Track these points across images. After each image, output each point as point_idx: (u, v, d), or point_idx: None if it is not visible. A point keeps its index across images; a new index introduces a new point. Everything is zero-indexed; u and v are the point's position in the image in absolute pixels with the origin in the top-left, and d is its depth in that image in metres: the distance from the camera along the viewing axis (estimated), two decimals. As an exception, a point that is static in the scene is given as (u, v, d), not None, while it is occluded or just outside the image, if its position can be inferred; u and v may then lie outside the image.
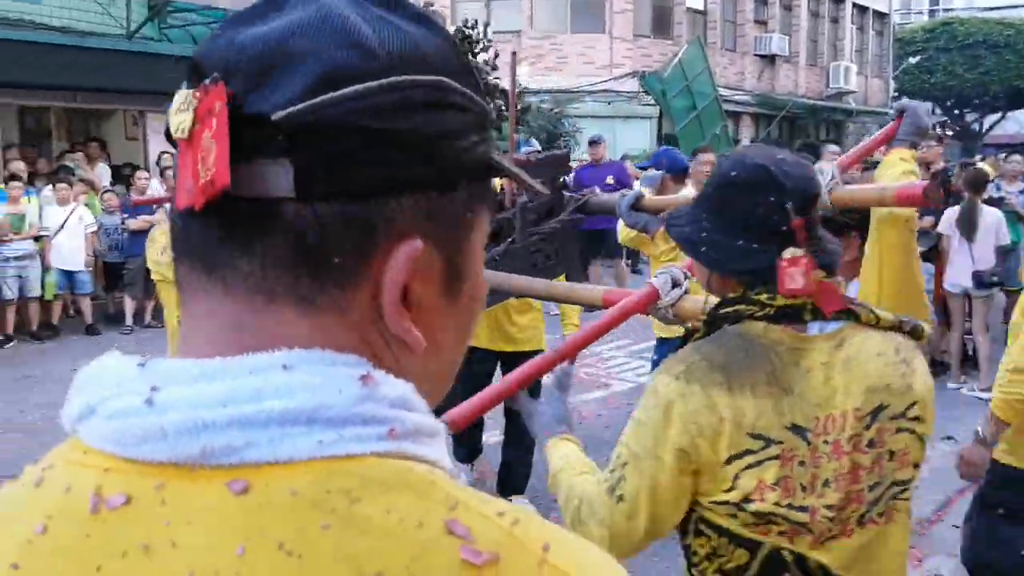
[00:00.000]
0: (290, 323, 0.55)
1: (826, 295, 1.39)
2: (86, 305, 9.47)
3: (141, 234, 9.34)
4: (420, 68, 0.55)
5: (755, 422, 1.37)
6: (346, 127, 0.52)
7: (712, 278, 1.52)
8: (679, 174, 5.03)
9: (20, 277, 8.75)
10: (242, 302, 0.55)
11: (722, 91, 19.86)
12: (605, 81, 18.32)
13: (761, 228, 1.41)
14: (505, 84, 17.56)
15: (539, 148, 5.17)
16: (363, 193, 0.54)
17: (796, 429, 1.37)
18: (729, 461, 1.37)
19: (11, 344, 8.79)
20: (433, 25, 0.58)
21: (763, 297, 1.41)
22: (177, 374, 0.53)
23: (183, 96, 0.55)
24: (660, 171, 4.95)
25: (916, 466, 1.48)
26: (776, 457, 1.37)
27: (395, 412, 0.54)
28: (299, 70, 0.53)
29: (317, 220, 0.53)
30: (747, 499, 1.38)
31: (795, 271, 1.36)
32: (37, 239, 9.03)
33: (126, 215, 9.65)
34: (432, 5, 17.54)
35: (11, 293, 8.74)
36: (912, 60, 28.07)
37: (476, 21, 3.82)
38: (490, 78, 3.94)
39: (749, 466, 1.37)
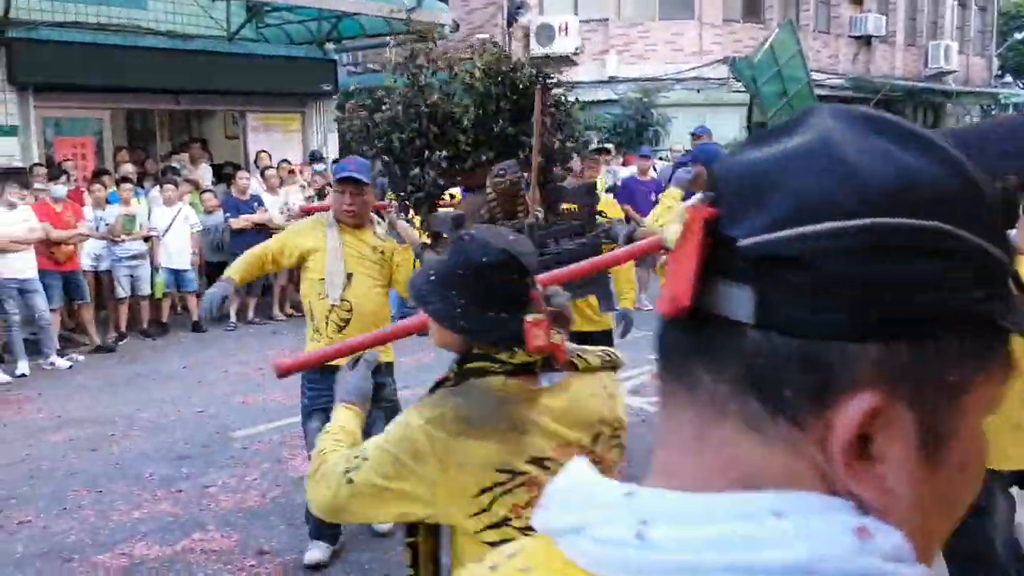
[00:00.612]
0: (739, 444, 0.55)
1: (558, 351, 1.75)
2: (192, 303, 9.80)
3: (243, 233, 9.64)
4: (908, 208, 0.52)
5: (500, 460, 1.71)
6: (813, 264, 0.51)
7: (459, 341, 1.80)
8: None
9: (132, 276, 9.11)
10: (701, 414, 0.56)
11: (815, 75, 19.33)
12: (694, 68, 18.04)
13: (509, 300, 1.72)
14: (586, 75, 17.49)
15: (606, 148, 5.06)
16: (821, 334, 0.51)
17: (537, 462, 1.73)
18: (482, 493, 1.72)
19: (124, 341, 9.17)
20: (936, 150, 0.55)
21: (503, 356, 1.73)
22: (665, 510, 0.54)
23: (682, 208, 0.57)
24: (692, 168, 5.08)
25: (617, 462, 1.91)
26: (523, 484, 1.73)
27: (892, 566, 0.52)
28: (775, 199, 0.53)
29: (772, 351, 0.52)
30: (506, 520, 1.73)
31: (538, 331, 1.69)
32: (147, 239, 9.38)
33: (228, 215, 9.95)
34: (522, -2, 17.58)
35: (124, 292, 9.12)
36: (1018, 36, 26.86)
37: (556, 79, 3.65)
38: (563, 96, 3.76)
39: (502, 494, 1.72)
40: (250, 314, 10.13)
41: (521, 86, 3.73)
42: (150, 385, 7.62)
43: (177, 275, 9.63)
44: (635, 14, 18.22)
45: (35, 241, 8.07)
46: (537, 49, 17.56)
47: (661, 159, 13.08)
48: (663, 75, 17.77)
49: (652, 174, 10.65)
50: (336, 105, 14.33)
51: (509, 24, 17.79)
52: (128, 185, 9.34)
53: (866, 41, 22.15)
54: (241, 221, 9.84)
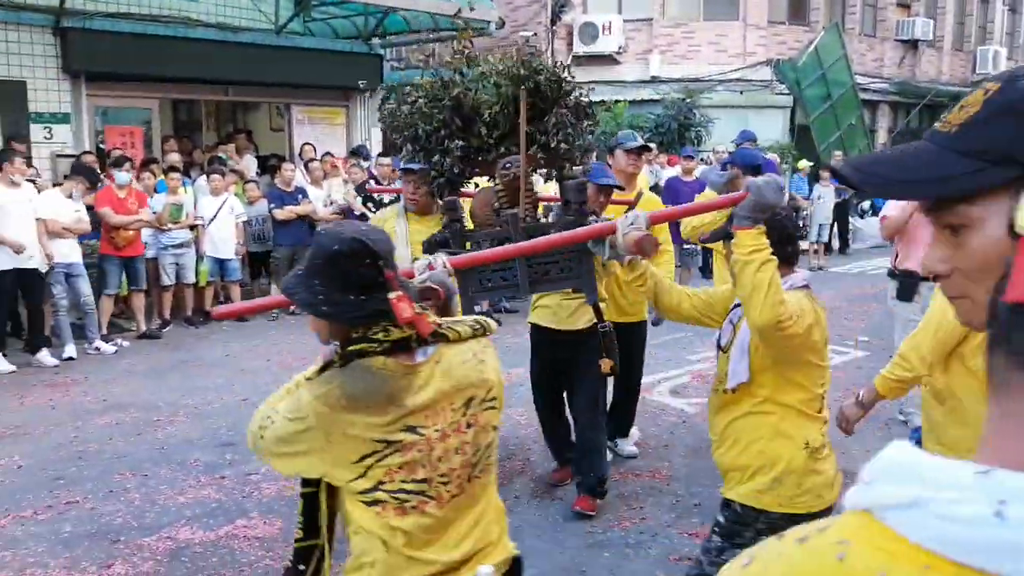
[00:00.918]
0: None
1: (422, 322, 1.97)
2: (236, 292, 9.91)
3: (286, 224, 9.73)
4: None
5: (378, 431, 1.94)
6: None
7: (332, 328, 2.01)
8: (753, 170, 5.15)
9: (177, 264, 9.24)
10: None
11: (859, 79, 19.15)
12: (738, 70, 17.91)
13: (364, 283, 1.92)
14: (629, 74, 17.44)
15: (642, 143, 5.21)
16: None
17: (410, 429, 1.96)
18: (361, 459, 1.94)
19: (168, 328, 9.30)
20: None
21: (380, 335, 1.94)
22: None
23: None
24: (725, 171, 5.38)
25: (495, 428, 2.15)
26: (397, 451, 1.96)
27: None
28: None
29: None
30: (380, 483, 1.96)
31: (403, 304, 1.93)
32: (192, 228, 9.50)
33: (272, 205, 10.04)
34: (566, -5, 17.56)
35: (168, 279, 9.25)
36: (1069, 43, 26.35)
37: (565, 65, 3.68)
38: (583, 97, 3.77)
39: (378, 460, 1.95)
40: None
41: (542, 88, 3.83)
42: (194, 372, 7.73)
43: (221, 264, 9.75)
44: (679, 14, 18.13)
45: (82, 231, 8.22)
46: (580, 48, 17.54)
47: (702, 161, 13.00)
48: (706, 76, 17.66)
49: (696, 174, 10.60)
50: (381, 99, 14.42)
51: (553, 22, 17.78)
52: (176, 174, 9.46)
53: (913, 45, 21.85)
54: (285, 212, 9.94)
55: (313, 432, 1.94)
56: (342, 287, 1.92)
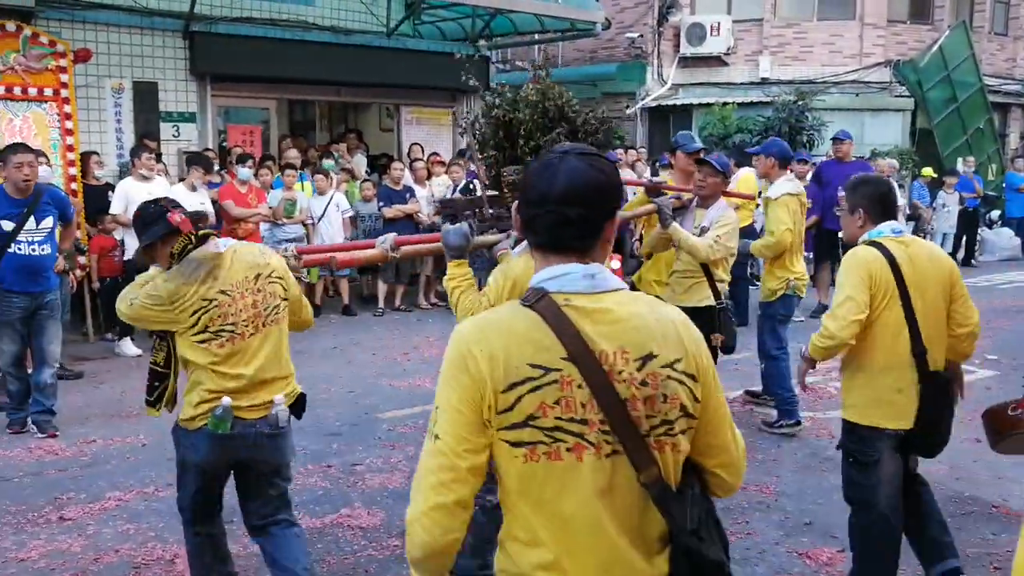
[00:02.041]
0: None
1: (184, 222, 3.30)
2: (344, 287, 10.20)
3: (394, 221, 9.96)
4: None
5: (202, 295, 3.20)
6: None
7: (160, 251, 3.32)
8: (784, 161, 6.40)
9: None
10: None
11: (988, 80, 18.32)
12: (854, 71, 17.37)
13: (154, 219, 3.29)
14: (738, 76, 17.12)
15: (701, 146, 5.90)
16: None
17: (222, 292, 3.18)
18: (193, 314, 3.18)
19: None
20: None
21: (184, 240, 3.28)
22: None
23: None
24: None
25: (283, 297, 3.44)
26: (217, 306, 3.18)
27: None
28: None
29: None
30: (206, 327, 3.18)
31: (176, 216, 3.28)
32: (305, 224, 9.83)
33: (382, 204, 10.30)
34: (674, -5, 17.39)
35: (282, 273, 9.57)
36: None
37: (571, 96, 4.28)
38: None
39: (204, 313, 3.19)
40: (397, 301, 10.47)
41: (571, 114, 4.45)
42: (304, 363, 7.94)
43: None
44: (792, 14, 17.70)
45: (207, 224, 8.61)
46: (687, 49, 17.35)
47: (814, 165, 12.67)
48: (819, 78, 17.21)
49: (849, 151, 10.41)
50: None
51: (659, 23, 17.63)
52: (292, 171, 9.81)
53: (1046, 45, 20.79)
54: (393, 211, 10.19)
55: (164, 302, 3.21)
56: (143, 226, 3.32)
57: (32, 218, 5.93)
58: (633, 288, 5.75)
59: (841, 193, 10.32)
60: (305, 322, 3.72)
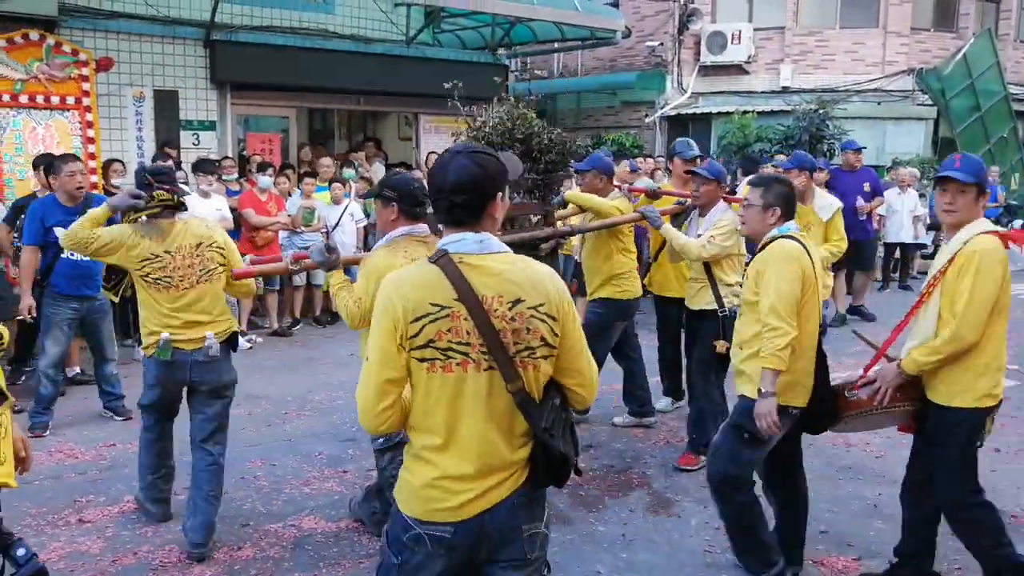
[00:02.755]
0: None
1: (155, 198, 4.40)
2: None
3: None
4: None
5: (152, 248, 4.28)
6: None
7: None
8: (811, 171, 6.71)
9: (308, 266, 9.59)
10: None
11: (1013, 89, 18.16)
12: (876, 79, 17.26)
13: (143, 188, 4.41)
14: (758, 84, 17.04)
15: (698, 153, 6.42)
16: None
17: (167, 252, 4.30)
18: (142, 262, 4.27)
19: (298, 327, 9.68)
20: None
21: (149, 209, 4.38)
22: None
23: None
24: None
25: (220, 264, 4.48)
26: (160, 259, 4.27)
27: None
28: None
29: None
30: (149, 274, 4.26)
31: (159, 191, 4.40)
32: (322, 232, 9.86)
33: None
34: (693, 2, 17.37)
35: (300, 280, 9.62)
36: None
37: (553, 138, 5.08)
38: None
39: (151, 263, 4.27)
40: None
41: (533, 140, 5.15)
42: (321, 369, 8.02)
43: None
44: (814, 22, 17.62)
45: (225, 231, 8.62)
46: (707, 58, 17.31)
47: (830, 173, 12.58)
48: (841, 86, 17.12)
49: (859, 161, 10.39)
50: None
51: (680, 32, 17.61)
52: (311, 179, 9.84)
53: (1073, 54, 20.60)
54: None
55: (122, 241, 4.26)
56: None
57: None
58: (645, 290, 6.34)
59: (860, 203, 10.36)
60: (244, 292, 4.94)
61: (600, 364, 5.81)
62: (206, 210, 8.47)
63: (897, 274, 13.13)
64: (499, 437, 2.32)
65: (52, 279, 6.21)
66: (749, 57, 17.25)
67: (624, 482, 5.34)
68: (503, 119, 5.20)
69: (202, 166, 8.95)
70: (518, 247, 4.55)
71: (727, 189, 5.97)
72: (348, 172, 10.69)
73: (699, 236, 5.47)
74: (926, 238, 13.62)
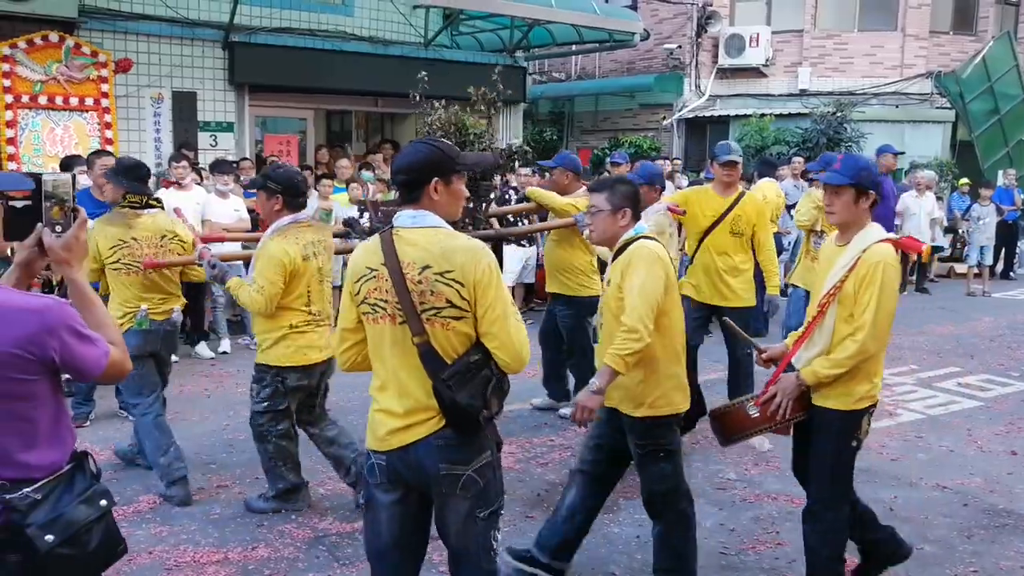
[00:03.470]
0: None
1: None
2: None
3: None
4: None
5: (119, 235, 4.88)
6: None
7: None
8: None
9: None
10: None
11: (1032, 92, 18.02)
12: (894, 82, 17.18)
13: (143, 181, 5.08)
14: (776, 87, 16.98)
15: (732, 159, 6.03)
16: None
17: (133, 240, 4.88)
18: (111, 248, 4.86)
19: (317, 327, 9.68)
20: None
21: (125, 205, 5.03)
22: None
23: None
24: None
25: (179, 253, 5.13)
26: (128, 246, 4.88)
27: None
28: None
29: None
30: (118, 259, 4.86)
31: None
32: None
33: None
34: (711, 5, 17.33)
35: (322, 282, 9.62)
36: None
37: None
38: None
39: (120, 249, 4.87)
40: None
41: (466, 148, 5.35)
42: (337, 371, 8.00)
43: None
44: (832, 25, 17.55)
45: (244, 230, 8.63)
46: (725, 61, 17.26)
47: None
48: (859, 89, 17.04)
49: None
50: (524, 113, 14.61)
51: (698, 34, 17.58)
52: (328, 181, 9.86)
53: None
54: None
55: (93, 236, 4.71)
56: (135, 179, 4.95)
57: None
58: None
59: (894, 207, 10.35)
60: (195, 277, 5.31)
61: (587, 353, 6.08)
62: (224, 210, 8.52)
63: (915, 277, 13.04)
64: (414, 382, 2.69)
65: None
66: (767, 60, 17.20)
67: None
68: (441, 124, 5.52)
69: (220, 167, 8.97)
70: None
71: (660, 190, 6.09)
72: (366, 174, 10.71)
73: None
74: (943, 241, 13.53)
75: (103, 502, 2.17)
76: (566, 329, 6.51)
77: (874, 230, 3.56)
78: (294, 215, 4.43)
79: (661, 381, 3.66)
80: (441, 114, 5.52)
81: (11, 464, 2.03)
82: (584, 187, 6.33)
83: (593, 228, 3.80)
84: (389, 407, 2.73)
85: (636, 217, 3.75)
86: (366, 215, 6.54)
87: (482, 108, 5.61)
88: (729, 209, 5.92)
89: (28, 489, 2.03)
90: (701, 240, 5.99)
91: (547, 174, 6.90)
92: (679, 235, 6.70)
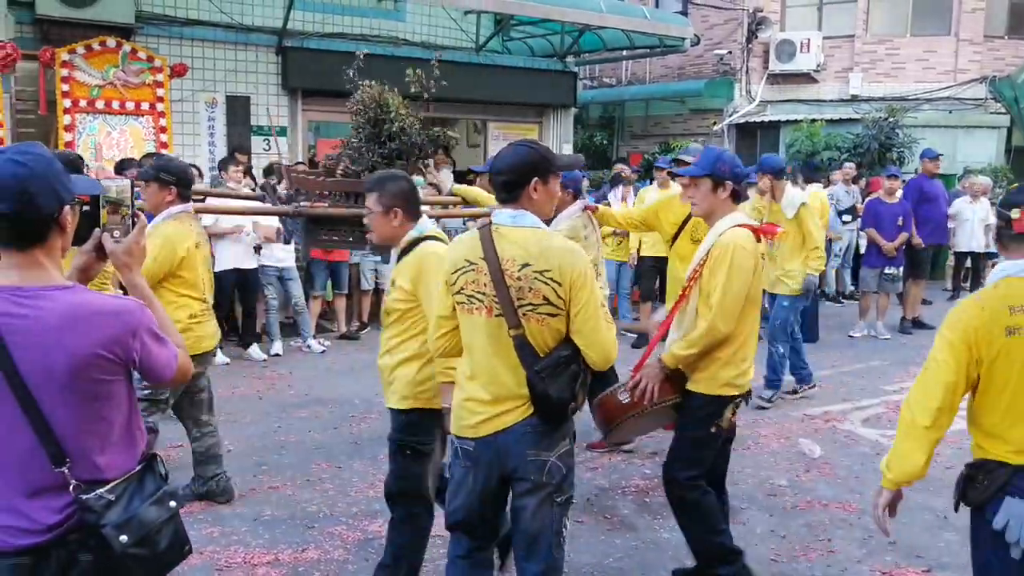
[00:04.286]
0: None
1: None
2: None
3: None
4: None
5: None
6: None
7: None
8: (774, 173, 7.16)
9: (375, 271, 9.68)
10: None
11: (1091, 98, 17.57)
12: (947, 88, 16.86)
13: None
14: (827, 93, 16.73)
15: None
16: None
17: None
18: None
19: (366, 330, 9.77)
20: None
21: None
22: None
23: None
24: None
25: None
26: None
27: None
28: None
29: None
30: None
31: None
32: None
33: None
34: (762, 10, 17.17)
35: (368, 284, 9.73)
36: None
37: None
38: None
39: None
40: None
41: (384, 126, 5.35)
42: (364, 378, 8.05)
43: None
44: (884, 30, 17.27)
45: (274, 230, 8.52)
46: (776, 66, 17.09)
47: (904, 182, 12.33)
48: (912, 94, 16.76)
49: (899, 196, 10.10)
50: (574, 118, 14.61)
51: (748, 40, 17.42)
52: (378, 185, 9.93)
53: None
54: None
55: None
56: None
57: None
58: None
59: (946, 210, 10.23)
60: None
61: None
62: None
63: (968, 283, 12.81)
64: (506, 372, 2.85)
65: None
66: (818, 65, 16.99)
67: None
68: (364, 99, 5.44)
69: (273, 171, 9.10)
70: (338, 221, 5.02)
71: (574, 195, 5.69)
72: (417, 179, 10.75)
73: None
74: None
75: (172, 503, 2.20)
76: None
77: (734, 217, 3.72)
78: (184, 205, 4.68)
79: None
80: (369, 92, 5.44)
81: (87, 465, 2.06)
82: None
83: (373, 230, 3.58)
84: (477, 395, 2.90)
85: (412, 216, 3.53)
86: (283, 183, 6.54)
87: (419, 90, 5.58)
88: (689, 217, 5.69)
89: (102, 490, 2.05)
90: (671, 249, 5.95)
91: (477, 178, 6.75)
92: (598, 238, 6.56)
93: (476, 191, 6.39)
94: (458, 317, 2.94)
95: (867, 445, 6.15)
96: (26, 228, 1.98)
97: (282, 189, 6.00)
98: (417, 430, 3.59)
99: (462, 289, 2.88)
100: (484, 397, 2.88)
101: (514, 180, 2.86)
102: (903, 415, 2.77)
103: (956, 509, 2.86)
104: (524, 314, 2.79)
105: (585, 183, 6.93)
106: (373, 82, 5.49)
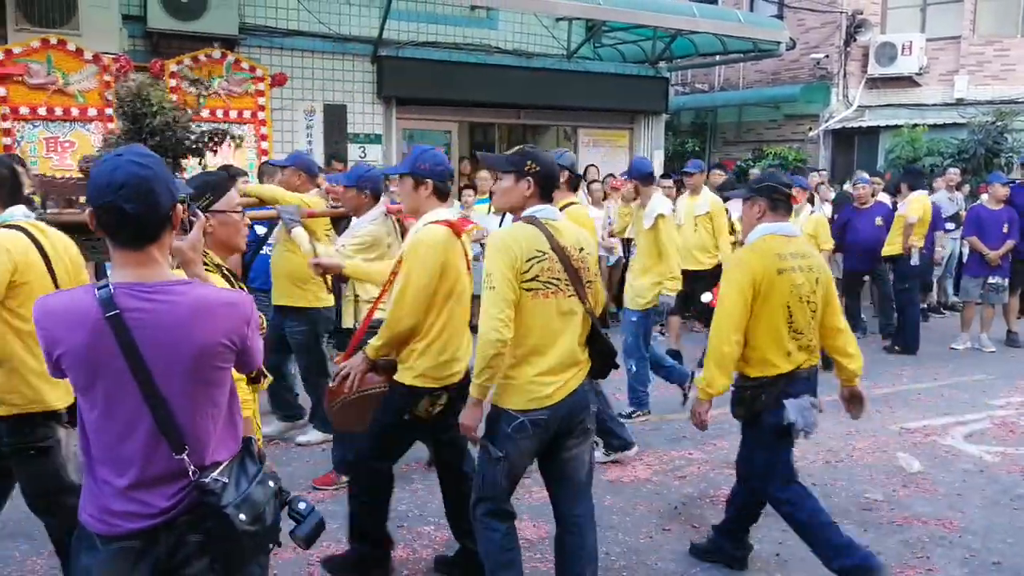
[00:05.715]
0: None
1: None
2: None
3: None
4: None
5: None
6: None
7: None
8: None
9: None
10: None
11: None
12: (1062, 91, 16.11)
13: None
14: (930, 97, 16.17)
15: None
16: None
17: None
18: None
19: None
20: None
21: None
22: None
23: None
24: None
25: None
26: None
27: None
28: None
29: None
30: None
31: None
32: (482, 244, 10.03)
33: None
34: (861, 13, 16.73)
35: (457, 289, 9.80)
36: None
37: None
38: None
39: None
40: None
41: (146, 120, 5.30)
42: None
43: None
44: (993, 31, 16.61)
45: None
46: (875, 70, 16.62)
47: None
48: (1022, 97, 16.07)
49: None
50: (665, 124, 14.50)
51: (847, 43, 16.99)
52: (470, 191, 10.05)
53: None
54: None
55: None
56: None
57: (280, 224, 6.37)
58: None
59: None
60: None
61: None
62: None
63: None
64: (574, 343, 3.39)
65: (251, 274, 6.63)
66: (920, 68, 16.45)
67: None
68: (130, 90, 5.34)
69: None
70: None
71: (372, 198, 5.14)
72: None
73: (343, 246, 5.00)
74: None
75: (271, 483, 2.30)
76: (298, 345, 6.07)
77: (434, 214, 3.82)
78: None
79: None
80: (131, 85, 5.37)
81: (201, 450, 2.17)
82: (316, 188, 6.07)
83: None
84: (546, 368, 3.33)
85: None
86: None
87: (194, 83, 5.68)
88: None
89: (215, 473, 2.15)
90: None
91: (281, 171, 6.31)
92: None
93: (274, 190, 5.95)
94: (522, 303, 3.28)
95: (970, 461, 5.92)
96: (147, 227, 2.09)
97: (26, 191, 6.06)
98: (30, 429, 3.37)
99: (537, 276, 3.28)
100: (552, 366, 3.33)
101: (548, 184, 3.46)
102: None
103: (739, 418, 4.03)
104: (588, 290, 3.41)
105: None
106: (137, 77, 5.55)
